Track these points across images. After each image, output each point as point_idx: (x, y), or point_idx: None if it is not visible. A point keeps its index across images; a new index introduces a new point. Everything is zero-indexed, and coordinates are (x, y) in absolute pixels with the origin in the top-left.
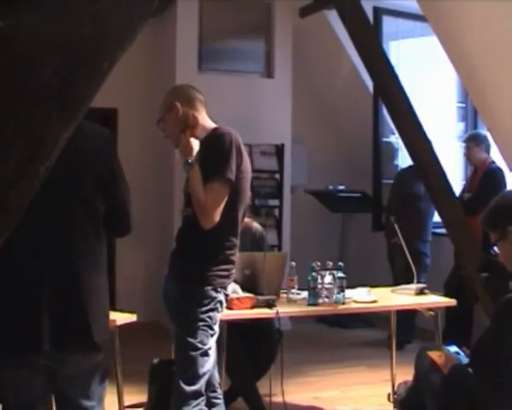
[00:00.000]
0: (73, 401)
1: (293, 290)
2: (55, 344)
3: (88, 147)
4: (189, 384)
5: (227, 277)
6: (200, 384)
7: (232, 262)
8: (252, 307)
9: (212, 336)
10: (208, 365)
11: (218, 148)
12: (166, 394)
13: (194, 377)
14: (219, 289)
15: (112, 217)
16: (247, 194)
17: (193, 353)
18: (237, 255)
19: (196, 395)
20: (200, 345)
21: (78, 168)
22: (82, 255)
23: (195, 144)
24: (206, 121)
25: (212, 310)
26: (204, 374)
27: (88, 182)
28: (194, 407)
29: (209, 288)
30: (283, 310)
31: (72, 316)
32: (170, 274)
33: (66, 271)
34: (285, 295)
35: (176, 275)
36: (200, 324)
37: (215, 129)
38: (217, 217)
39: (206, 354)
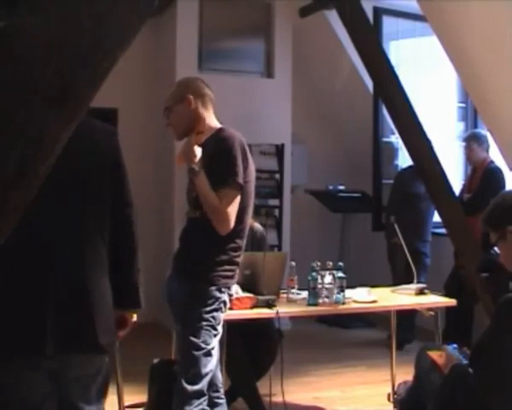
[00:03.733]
0: (74, 404)
1: (293, 290)
2: (61, 345)
3: (99, 147)
4: (192, 384)
5: (231, 277)
6: (203, 384)
7: (237, 264)
8: (252, 307)
9: (215, 336)
10: (211, 365)
11: (226, 152)
12: (166, 394)
13: (196, 377)
14: (223, 290)
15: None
16: (253, 196)
17: (196, 352)
18: (241, 257)
19: (199, 394)
20: (203, 345)
21: (92, 169)
22: (89, 256)
23: (198, 152)
24: (213, 121)
25: (215, 310)
26: (206, 374)
27: (101, 183)
28: (196, 406)
29: (213, 288)
30: (283, 310)
31: (79, 317)
32: (174, 275)
33: (74, 271)
34: (285, 295)
35: (180, 275)
36: (204, 323)
37: (220, 130)
38: (233, 222)
39: (209, 353)
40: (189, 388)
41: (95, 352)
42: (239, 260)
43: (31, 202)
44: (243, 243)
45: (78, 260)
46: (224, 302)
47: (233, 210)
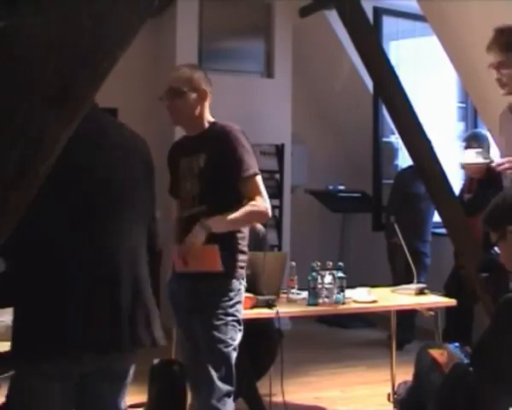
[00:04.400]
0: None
1: (293, 290)
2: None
3: (143, 155)
4: (226, 382)
5: (243, 267)
6: (234, 382)
7: (245, 253)
8: (252, 307)
9: (240, 331)
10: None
11: (239, 144)
12: (166, 394)
13: (230, 375)
14: (241, 280)
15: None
16: None
17: (226, 349)
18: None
19: (230, 394)
20: (230, 341)
21: (141, 178)
22: (143, 259)
23: (199, 233)
24: (209, 114)
25: (238, 303)
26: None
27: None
28: (229, 405)
29: (234, 280)
30: (283, 310)
31: (141, 314)
32: (183, 274)
33: (134, 273)
34: (285, 295)
35: (199, 272)
36: (229, 319)
37: (216, 123)
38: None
39: (235, 349)
40: (224, 387)
41: (152, 346)
42: (246, 248)
43: (102, 209)
44: (247, 231)
45: (138, 264)
46: (242, 293)
47: (264, 191)
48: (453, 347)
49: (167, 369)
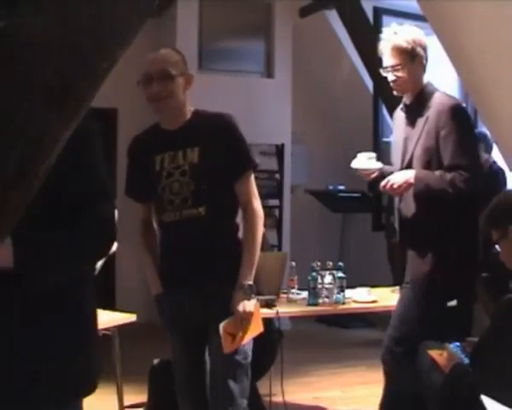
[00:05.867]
0: None
1: (293, 290)
2: None
3: None
4: (244, 397)
5: None
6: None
7: None
8: None
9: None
10: None
11: (236, 134)
12: (166, 394)
13: (246, 388)
14: None
15: None
16: None
17: (245, 361)
18: None
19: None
20: (249, 351)
21: None
22: None
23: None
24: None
25: None
26: None
27: None
28: None
29: None
30: (283, 310)
31: None
32: (195, 289)
33: None
34: (285, 295)
35: (214, 283)
36: None
37: (198, 112)
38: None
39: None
40: (243, 402)
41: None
42: None
43: None
44: None
45: None
46: None
47: (257, 193)
48: (454, 346)
49: (167, 369)
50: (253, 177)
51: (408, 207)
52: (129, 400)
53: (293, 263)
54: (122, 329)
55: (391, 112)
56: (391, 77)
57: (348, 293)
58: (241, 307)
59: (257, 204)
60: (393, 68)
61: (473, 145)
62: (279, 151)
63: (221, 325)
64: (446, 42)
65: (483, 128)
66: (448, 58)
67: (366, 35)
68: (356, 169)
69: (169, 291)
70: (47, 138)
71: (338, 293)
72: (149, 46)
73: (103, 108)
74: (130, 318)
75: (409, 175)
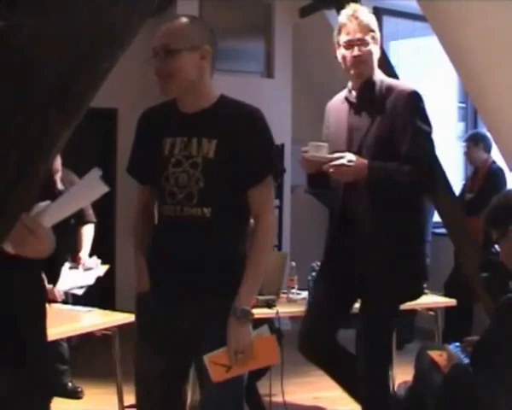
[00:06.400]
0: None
1: (293, 290)
2: None
3: None
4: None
5: None
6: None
7: None
8: (252, 307)
9: None
10: None
11: (261, 134)
12: None
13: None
14: None
15: None
16: None
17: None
18: None
19: None
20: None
21: None
22: None
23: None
24: (212, 84)
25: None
26: None
27: None
28: None
29: None
30: (283, 310)
31: None
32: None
33: None
34: (285, 295)
35: (208, 294)
36: None
37: (224, 98)
38: None
39: None
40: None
41: None
42: None
43: None
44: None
45: None
46: None
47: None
48: (454, 347)
49: None
50: (271, 187)
51: (359, 200)
52: (129, 400)
53: (293, 263)
54: (122, 329)
55: None
56: (356, 52)
57: None
58: (233, 339)
59: (271, 218)
60: (361, 42)
61: (428, 137)
62: (279, 151)
63: (205, 357)
64: (446, 42)
65: (483, 128)
66: (448, 58)
67: None
68: (304, 156)
69: (155, 293)
70: (47, 138)
71: None
72: (149, 46)
73: (103, 108)
74: (130, 318)
75: (363, 162)
